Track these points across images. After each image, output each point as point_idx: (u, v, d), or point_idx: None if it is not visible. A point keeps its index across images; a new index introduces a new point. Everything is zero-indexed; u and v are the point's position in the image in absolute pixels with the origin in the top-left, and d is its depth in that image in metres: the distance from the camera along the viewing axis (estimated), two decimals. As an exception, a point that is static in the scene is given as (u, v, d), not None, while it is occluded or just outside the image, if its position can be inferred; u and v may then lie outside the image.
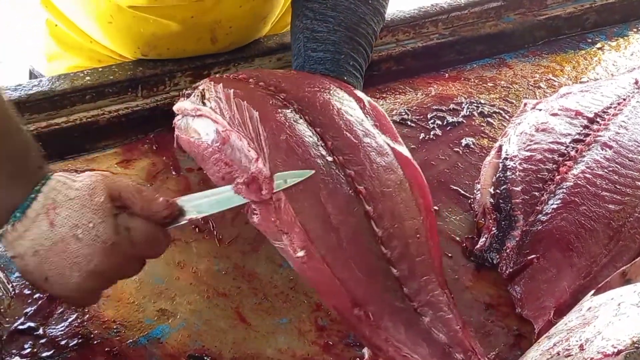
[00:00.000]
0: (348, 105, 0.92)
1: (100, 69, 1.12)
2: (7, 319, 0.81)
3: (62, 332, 0.81)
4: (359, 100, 0.95)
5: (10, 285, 0.81)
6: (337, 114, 0.89)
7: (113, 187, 0.73)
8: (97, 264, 0.71)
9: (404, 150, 0.91)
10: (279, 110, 0.86)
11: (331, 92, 0.93)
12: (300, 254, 0.75)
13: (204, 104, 0.92)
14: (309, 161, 0.81)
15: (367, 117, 0.93)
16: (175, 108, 1.01)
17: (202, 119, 0.92)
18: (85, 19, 1.19)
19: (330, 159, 0.83)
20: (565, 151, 1.03)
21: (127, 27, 1.15)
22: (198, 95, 0.94)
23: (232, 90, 0.89)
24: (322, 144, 0.84)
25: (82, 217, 0.71)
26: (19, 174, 0.73)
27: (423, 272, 0.80)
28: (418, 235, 0.82)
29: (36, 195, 0.71)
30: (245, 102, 0.86)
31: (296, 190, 0.78)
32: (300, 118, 0.87)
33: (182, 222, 0.77)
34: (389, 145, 0.89)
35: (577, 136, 1.06)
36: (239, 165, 0.84)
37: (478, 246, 0.95)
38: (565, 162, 1.00)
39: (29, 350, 0.78)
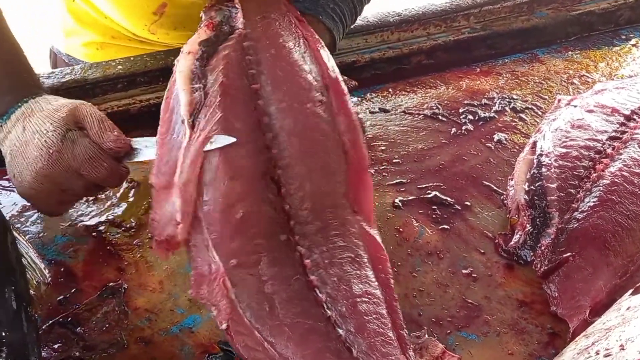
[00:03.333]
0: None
1: (132, 58, 1.12)
2: (41, 305, 0.81)
3: (97, 335, 0.80)
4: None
5: (47, 271, 0.82)
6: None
7: (80, 110, 0.84)
8: (42, 167, 0.83)
9: (375, 232, 0.82)
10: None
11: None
12: (224, 326, 0.72)
13: (196, 115, 0.79)
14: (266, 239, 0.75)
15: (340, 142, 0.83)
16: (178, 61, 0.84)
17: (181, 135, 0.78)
18: None
19: (283, 237, 0.76)
20: (602, 148, 1.01)
21: (133, 4, 1.17)
22: (199, 77, 0.81)
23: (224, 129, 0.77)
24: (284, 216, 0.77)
25: (42, 125, 0.83)
26: (13, 90, 0.87)
27: (374, 331, 0.73)
28: (369, 297, 0.75)
29: (22, 104, 0.85)
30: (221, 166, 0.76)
31: (234, 267, 0.73)
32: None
33: (133, 160, 0.86)
34: (359, 224, 0.81)
35: (613, 133, 1.04)
36: (164, 210, 0.76)
37: (512, 243, 0.94)
38: (602, 160, 0.99)
39: (60, 344, 0.79)
